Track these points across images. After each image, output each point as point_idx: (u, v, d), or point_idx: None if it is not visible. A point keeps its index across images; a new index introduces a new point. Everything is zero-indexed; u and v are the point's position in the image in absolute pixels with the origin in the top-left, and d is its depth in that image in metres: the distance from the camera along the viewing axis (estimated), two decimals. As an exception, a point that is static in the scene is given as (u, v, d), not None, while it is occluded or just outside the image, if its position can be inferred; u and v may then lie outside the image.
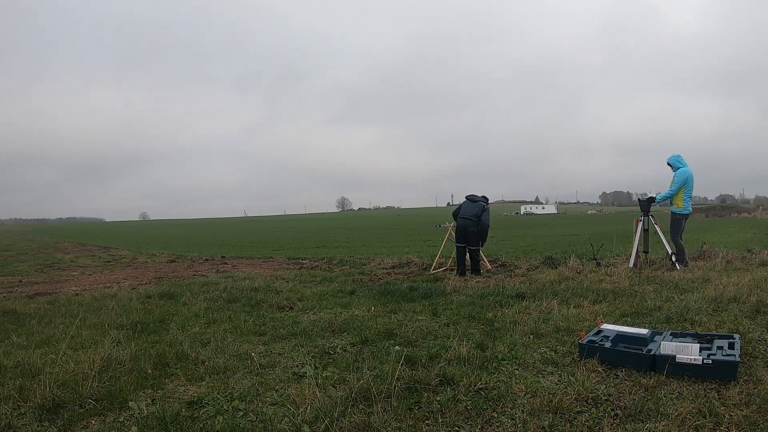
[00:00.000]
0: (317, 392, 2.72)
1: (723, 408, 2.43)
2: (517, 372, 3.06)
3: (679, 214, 7.27)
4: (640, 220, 7.42)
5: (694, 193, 7.50)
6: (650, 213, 7.44)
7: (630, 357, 3.06)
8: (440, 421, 2.44)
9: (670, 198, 7.32)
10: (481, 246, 8.04)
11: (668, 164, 7.46)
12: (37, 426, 2.51)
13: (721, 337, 3.25)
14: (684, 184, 7.22)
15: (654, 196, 7.46)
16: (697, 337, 3.27)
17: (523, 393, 2.71)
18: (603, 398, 2.62)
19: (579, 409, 2.50)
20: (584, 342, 3.28)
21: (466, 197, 8.27)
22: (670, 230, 7.27)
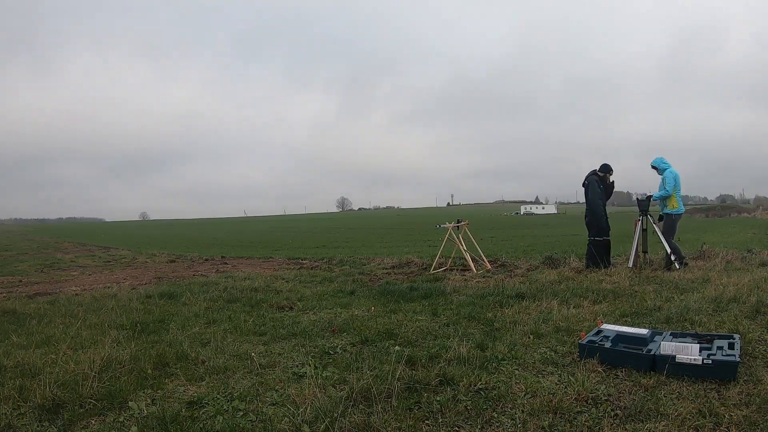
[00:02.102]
0: (317, 392, 2.71)
1: (723, 408, 2.43)
2: (517, 372, 3.05)
3: (674, 215, 7.31)
4: (639, 220, 7.43)
5: (693, 193, 7.63)
6: (649, 212, 7.45)
7: (630, 357, 3.06)
8: (440, 421, 2.44)
9: (665, 198, 7.34)
10: (595, 237, 7.34)
11: (653, 167, 7.57)
12: (37, 426, 2.51)
13: (721, 337, 3.25)
14: (675, 184, 7.30)
15: (651, 195, 7.49)
16: (697, 337, 3.27)
17: (523, 393, 2.71)
18: (603, 398, 2.62)
19: (579, 409, 2.50)
20: (584, 342, 3.28)
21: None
22: (664, 232, 7.26)
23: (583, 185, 7.73)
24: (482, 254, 8.74)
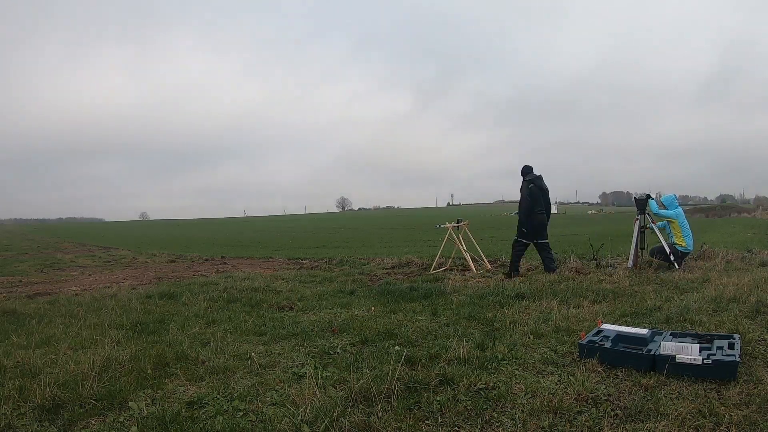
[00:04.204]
0: (317, 392, 2.72)
1: (723, 408, 2.43)
2: (517, 372, 3.06)
3: (681, 252, 7.21)
4: (638, 219, 7.42)
5: (693, 193, 7.57)
6: (647, 211, 7.43)
7: (630, 357, 3.06)
8: (440, 421, 2.44)
9: (665, 218, 7.33)
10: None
11: (661, 203, 7.59)
12: (37, 426, 2.51)
13: (721, 337, 3.25)
14: (676, 218, 7.27)
15: (650, 194, 7.46)
16: (697, 337, 3.27)
17: (523, 393, 2.71)
18: (603, 398, 2.62)
19: (579, 409, 2.51)
20: (584, 342, 3.28)
21: (533, 181, 7.45)
22: (664, 253, 7.17)
23: (544, 189, 7.53)
24: (482, 254, 8.74)
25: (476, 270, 8.01)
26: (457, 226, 9.02)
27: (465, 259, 8.55)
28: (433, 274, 7.84)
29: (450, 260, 8.84)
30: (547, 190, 7.60)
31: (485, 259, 8.60)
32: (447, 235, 8.82)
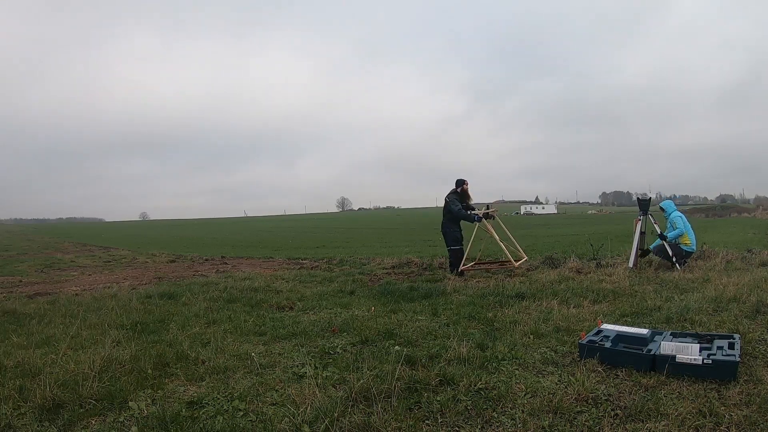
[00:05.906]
0: (317, 392, 2.72)
1: (723, 408, 2.43)
2: (517, 372, 3.06)
3: (686, 251, 7.29)
4: (640, 220, 7.43)
5: (693, 193, 7.64)
6: (649, 213, 7.45)
7: (630, 357, 3.06)
8: (440, 421, 2.44)
9: (679, 237, 7.37)
10: (451, 246, 7.85)
11: (661, 208, 7.70)
12: (37, 426, 2.50)
13: (721, 337, 3.25)
14: (685, 223, 7.38)
15: (651, 197, 7.53)
16: (697, 337, 3.27)
17: (523, 393, 2.71)
18: (603, 398, 2.62)
19: (579, 409, 2.50)
20: (584, 342, 3.28)
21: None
22: (666, 253, 7.22)
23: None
24: (517, 244, 8.25)
25: (515, 262, 7.47)
26: (487, 213, 8.21)
27: (503, 250, 7.89)
28: (455, 273, 7.44)
29: (476, 258, 8.45)
30: (446, 202, 8.02)
31: (520, 249, 8.10)
32: (476, 229, 8.09)
